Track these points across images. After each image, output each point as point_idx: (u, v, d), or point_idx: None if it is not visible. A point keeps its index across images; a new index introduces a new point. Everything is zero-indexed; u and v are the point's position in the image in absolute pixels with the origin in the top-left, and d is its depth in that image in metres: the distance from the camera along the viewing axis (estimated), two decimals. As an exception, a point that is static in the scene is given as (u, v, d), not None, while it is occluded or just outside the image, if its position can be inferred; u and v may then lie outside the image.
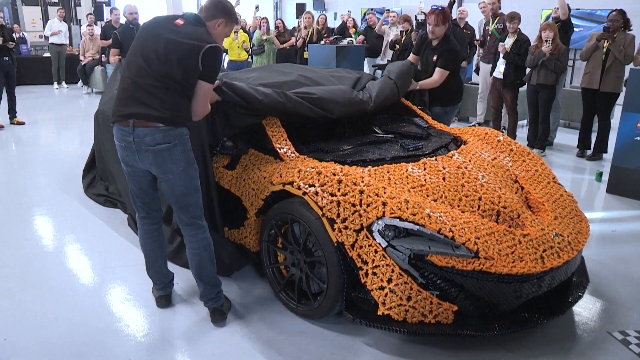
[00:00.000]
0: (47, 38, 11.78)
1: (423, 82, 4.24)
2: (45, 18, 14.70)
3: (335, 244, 2.46)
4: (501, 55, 6.51)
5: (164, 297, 2.89)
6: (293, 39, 9.70)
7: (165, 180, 2.56)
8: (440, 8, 4.18)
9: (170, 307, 2.89)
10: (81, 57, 11.21)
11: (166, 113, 2.45)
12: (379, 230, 2.40)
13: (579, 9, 10.47)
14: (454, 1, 8.31)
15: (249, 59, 9.89)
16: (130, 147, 2.50)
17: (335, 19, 14.13)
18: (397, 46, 8.20)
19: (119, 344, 2.57)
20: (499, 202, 2.71)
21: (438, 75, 4.20)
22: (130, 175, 2.65)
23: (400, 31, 8.28)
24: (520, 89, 6.66)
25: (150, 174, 2.61)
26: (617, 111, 5.77)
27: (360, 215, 2.44)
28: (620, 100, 5.40)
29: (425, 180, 2.75)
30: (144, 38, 2.53)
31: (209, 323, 2.74)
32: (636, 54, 5.78)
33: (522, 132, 7.40)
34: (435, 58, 4.24)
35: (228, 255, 3.16)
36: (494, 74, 6.83)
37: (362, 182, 2.54)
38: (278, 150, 3.01)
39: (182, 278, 3.13)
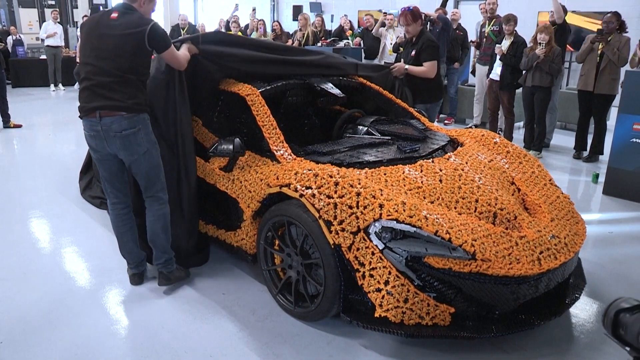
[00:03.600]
0: (42, 40, 11.74)
1: (413, 68, 4.47)
2: (42, 20, 14.61)
3: (332, 246, 2.46)
4: (498, 57, 6.53)
5: (137, 275, 3.13)
6: (290, 42, 9.70)
7: (132, 162, 2.85)
8: (408, 8, 4.52)
9: (169, 311, 2.88)
10: (78, 59, 11.17)
11: (128, 102, 2.75)
12: (375, 233, 2.40)
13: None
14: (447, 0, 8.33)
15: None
16: (99, 135, 2.78)
17: (332, 22, 14.12)
18: (401, 49, 8.03)
19: (116, 347, 2.56)
20: (496, 204, 2.72)
21: (427, 66, 4.43)
22: (100, 161, 2.91)
23: (404, 34, 8.18)
24: (517, 90, 6.67)
25: (118, 157, 2.87)
26: (613, 113, 5.78)
27: (357, 218, 2.43)
28: (616, 102, 5.41)
29: (422, 182, 2.75)
30: (91, 40, 2.77)
31: (207, 326, 2.74)
32: (632, 56, 5.80)
33: (519, 134, 7.40)
34: (413, 52, 4.54)
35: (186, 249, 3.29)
36: (491, 76, 6.85)
37: (359, 184, 2.54)
38: (275, 152, 3.01)
39: (182, 283, 3.13)
